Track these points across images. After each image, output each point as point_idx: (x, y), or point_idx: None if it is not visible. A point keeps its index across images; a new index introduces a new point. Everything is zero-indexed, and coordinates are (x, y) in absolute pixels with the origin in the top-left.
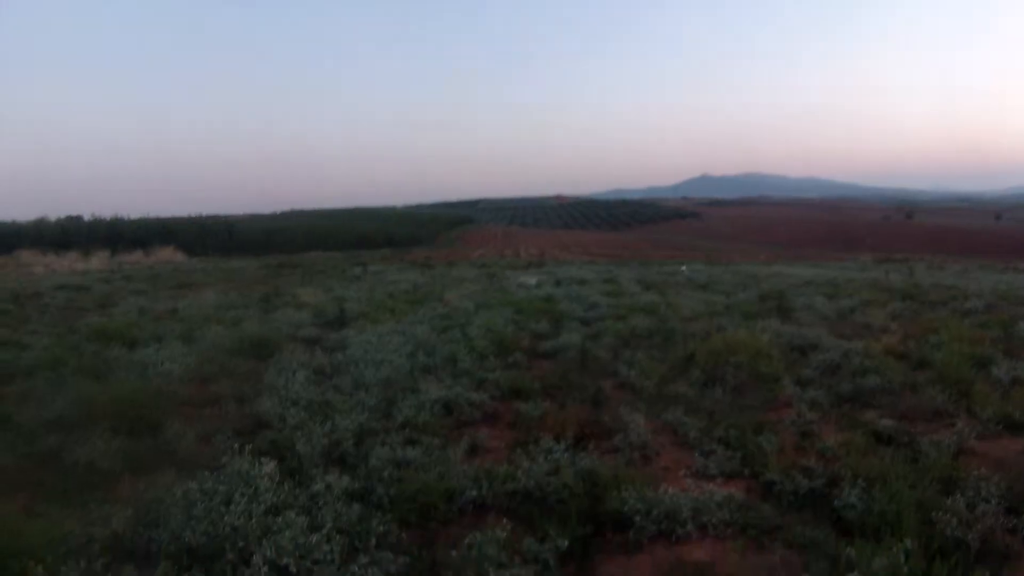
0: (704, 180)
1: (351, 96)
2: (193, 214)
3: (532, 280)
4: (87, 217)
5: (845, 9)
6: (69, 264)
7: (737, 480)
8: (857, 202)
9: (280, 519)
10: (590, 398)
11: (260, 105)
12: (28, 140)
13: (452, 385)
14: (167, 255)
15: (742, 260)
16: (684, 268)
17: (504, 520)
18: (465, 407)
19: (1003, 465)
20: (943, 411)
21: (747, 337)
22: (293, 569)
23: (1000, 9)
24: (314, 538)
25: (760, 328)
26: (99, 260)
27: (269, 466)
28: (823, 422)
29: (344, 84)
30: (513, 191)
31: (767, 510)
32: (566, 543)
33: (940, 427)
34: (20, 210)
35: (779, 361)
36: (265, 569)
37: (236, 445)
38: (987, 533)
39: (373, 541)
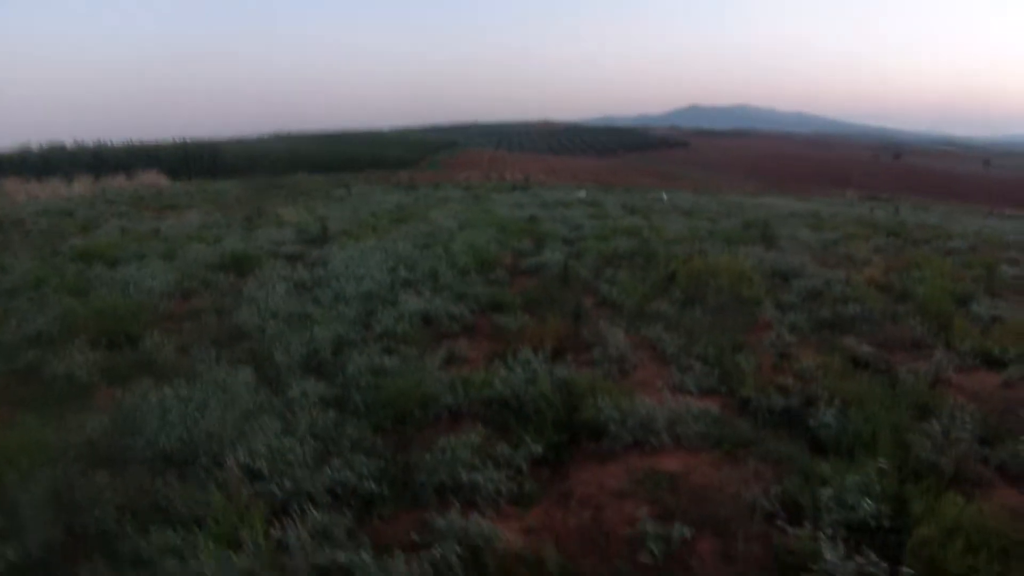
0: (694, 110)
1: (338, 18)
2: (178, 138)
3: (582, 193)
4: (70, 144)
5: None
6: (52, 191)
7: (713, 396)
8: (847, 139)
9: (255, 424)
10: (570, 313)
11: (247, 27)
12: (7, 67)
13: (432, 298)
14: (151, 179)
15: (730, 190)
16: (664, 196)
17: (479, 426)
18: (444, 319)
19: (979, 397)
20: (922, 342)
21: (729, 261)
22: (266, 472)
23: None
24: (288, 442)
25: (743, 254)
26: (82, 186)
27: (245, 373)
28: (802, 345)
29: (332, 6)
30: (502, 116)
31: (742, 425)
32: (540, 449)
33: (918, 357)
34: (1, 140)
35: (760, 285)
36: (238, 472)
37: (214, 354)
38: (961, 460)
39: (347, 445)
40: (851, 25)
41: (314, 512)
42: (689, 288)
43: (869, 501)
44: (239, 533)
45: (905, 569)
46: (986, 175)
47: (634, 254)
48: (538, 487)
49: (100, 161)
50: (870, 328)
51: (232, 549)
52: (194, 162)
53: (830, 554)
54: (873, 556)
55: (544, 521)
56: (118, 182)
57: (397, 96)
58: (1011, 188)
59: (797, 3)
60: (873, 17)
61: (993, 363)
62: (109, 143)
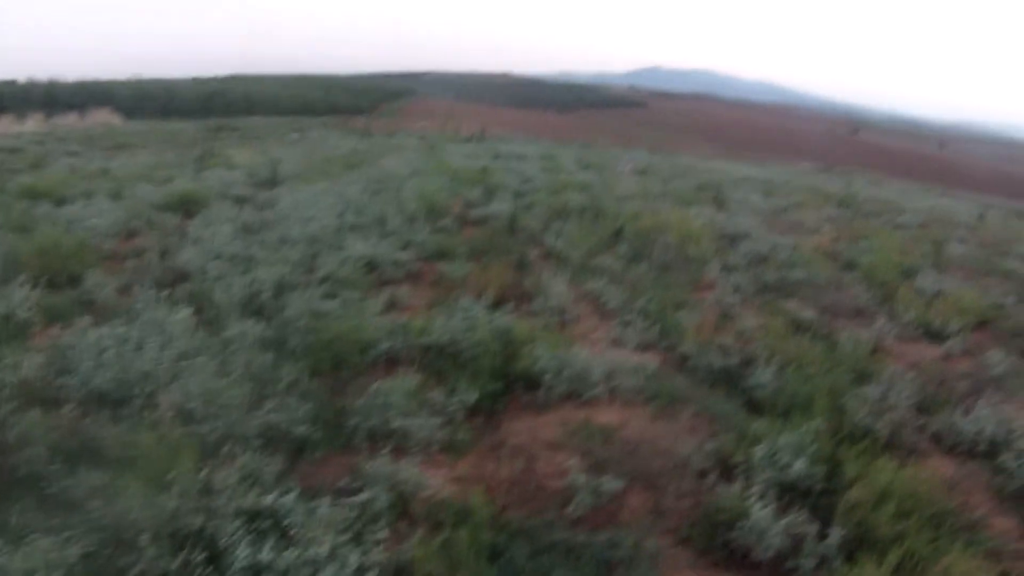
0: (655, 72)
1: None
2: (133, 77)
3: (628, 166)
4: (22, 80)
5: None
6: (3, 128)
7: (653, 351)
8: (806, 111)
9: (190, 365)
10: (514, 263)
11: None
12: None
13: (378, 244)
14: (104, 117)
15: (685, 153)
16: (628, 166)
17: (414, 371)
18: (389, 265)
19: (918, 367)
20: (865, 310)
21: (679, 219)
22: (199, 413)
23: None
24: (222, 383)
25: (693, 214)
26: (34, 123)
27: (183, 313)
28: (744, 306)
29: None
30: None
31: (679, 381)
32: (475, 398)
33: (861, 325)
34: None
35: (708, 245)
36: (170, 413)
37: (154, 294)
38: (896, 426)
39: (282, 388)
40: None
41: (245, 455)
42: (636, 244)
43: (802, 461)
44: (168, 475)
45: (835, 530)
46: (940, 156)
47: (584, 209)
48: (471, 435)
49: (53, 99)
50: (814, 294)
51: (160, 491)
52: (149, 101)
53: (759, 512)
54: (803, 516)
55: (475, 470)
56: (70, 120)
57: (356, 41)
58: (964, 170)
59: None
60: None
61: (934, 336)
62: (62, 80)
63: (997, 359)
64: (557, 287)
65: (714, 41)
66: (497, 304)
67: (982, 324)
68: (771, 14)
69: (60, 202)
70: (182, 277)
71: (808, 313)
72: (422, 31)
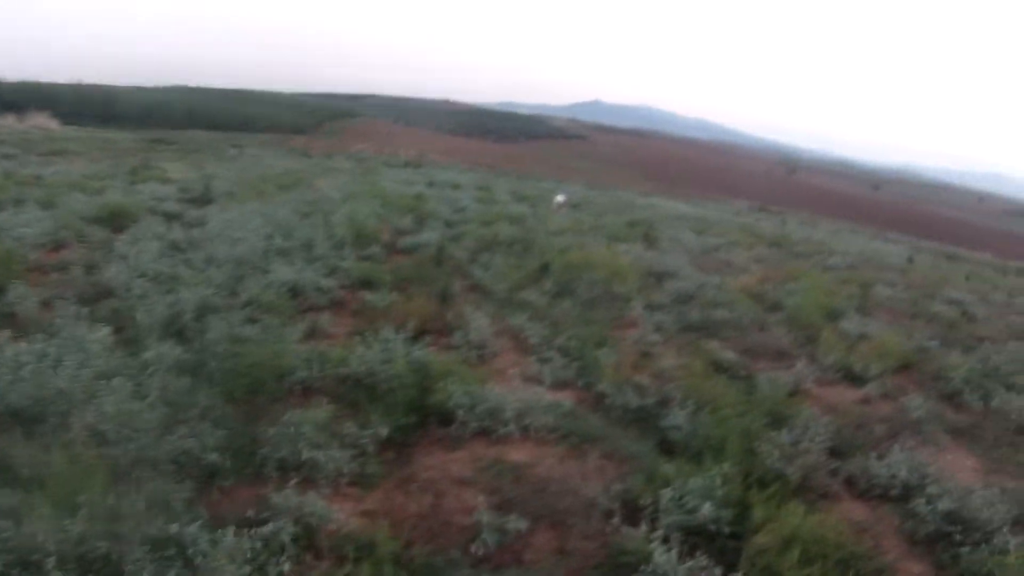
0: (596, 105)
1: None
2: (73, 81)
3: (561, 197)
4: None
5: None
6: None
7: (570, 389)
8: (744, 150)
9: (107, 386)
10: (438, 294)
11: None
12: None
13: (303, 269)
14: (42, 121)
15: (622, 187)
16: (561, 199)
17: (326, 402)
18: (312, 292)
19: (835, 410)
20: (787, 352)
21: (606, 255)
22: (112, 435)
23: None
24: (137, 406)
25: (623, 251)
26: None
27: (103, 332)
28: (666, 345)
29: None
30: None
31: (593, 421)
32: (387, 431)
33: (780, 366)
34: None
35: (634, 283)
36: (84, 434)
37: (75, 311)
38: (808, 470)
39: (196, 413)
40: (752, 38)
41: (155, 480)
42: (562, 279)
43: (710, 505)
44: (78, 497)
45: (739, 575)
46: (874, 198)
47: (514, 242)
48: (382, 469)
49: None
50: (736, 334)
51: (69, 513)
52: (88, 107)
53: (662, 556)
54: (706, 560)
55: (383, 504)
56: (9, 122)
57: (300, 59)
58: (897, 212)
59: (702, 9)
60: (776, 34)
61: (855, 379)
62: (2, 80)
63: (916, 403)
64: (479, 321)
65: (653, 78)
66: (418, 336)
67: (904, 367)
68: (709, 53)
69: None
70: (106, 293)
71: (729, 354)
72: (367, 53)
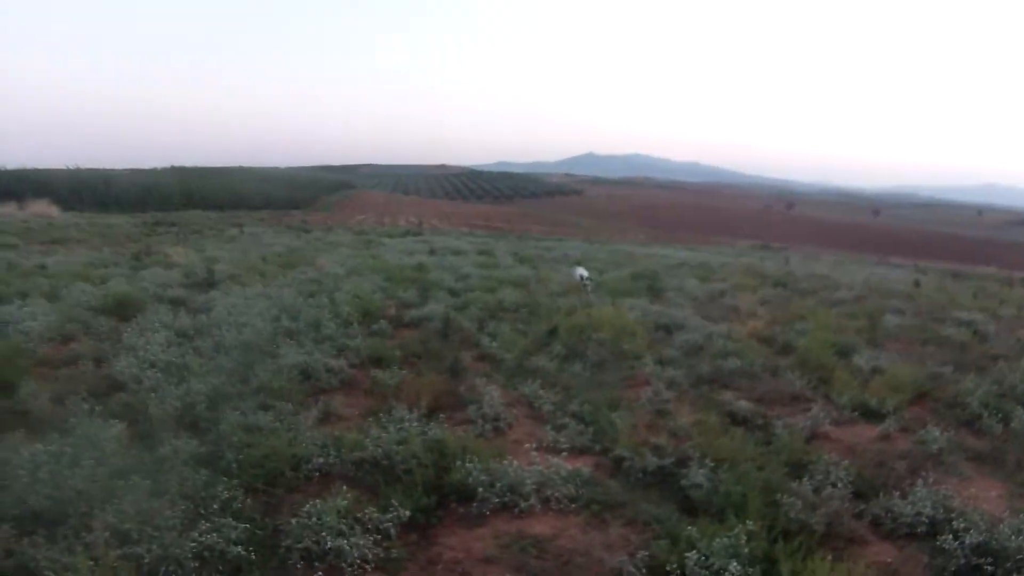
0: (590, 158)
1: (234, 56)
2: (71, 166)
3: (584, 271)
4: None
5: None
6: None
7: (587, 455)
8: (739, 190)
9: (125, 484)
10: (448, 368)
11: (142, 62)
12: None
13: (312, 351)
14: (42, 208)
15: (621, 239)
16: (582, 272)
17: (346, 489)
18: (323, 373)
19: (855, 451)
20: (801, 396)
21: (612, 314)
22: (135, 535)
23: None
24: (157, 503)
25: (628, 306)
26: None
27: (117, 429)
28: (679, 401)
29: (227, 45)
30: (397, 159)
31: (613, 486)
32: (408, 513)
33: (796, 411)
34: None
35: (642, 339)
36: (106, 534)
37: (88, 407)
38: (833, 517)
39: (217, 508)
40: (739, 78)
41: None
42: (570, 342)
43: (736, 564)
44: None
45: None
46: (875, 225)
47: (519, 306)
48: (405, 552)
49: None
50: (749, 382)
51: None
52: (86, 192)
53: None
54: None
55: None
56: (10, 210)
57: (293, 133)
58: (900, 236)
59: (689, 57)
60: (765, 71)
61: (871, 415)
62: (2, 168)
63: (934, 436)
64: (491, 393)
65: (644, 126)
66: (431, 412)
67: (920, 397)
68: (697, 96)
69: None
70: (117, 387)
71: (743, 403)
72: (360, 124)
